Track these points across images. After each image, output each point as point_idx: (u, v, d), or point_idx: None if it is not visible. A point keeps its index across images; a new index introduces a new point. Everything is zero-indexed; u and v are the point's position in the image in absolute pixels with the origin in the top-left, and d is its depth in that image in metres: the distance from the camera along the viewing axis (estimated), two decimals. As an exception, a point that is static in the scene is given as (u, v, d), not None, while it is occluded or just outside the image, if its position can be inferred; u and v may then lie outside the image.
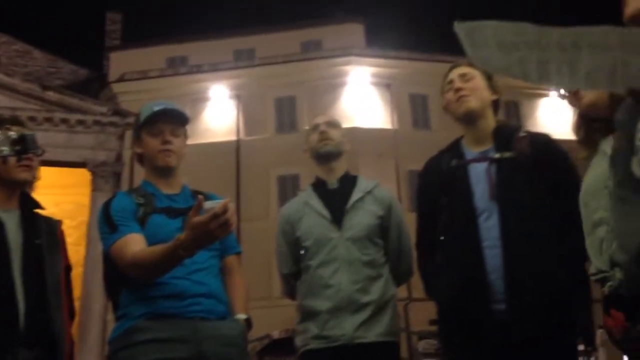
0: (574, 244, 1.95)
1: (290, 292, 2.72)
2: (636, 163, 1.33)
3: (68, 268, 2.29)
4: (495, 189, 2.09)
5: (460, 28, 1.01)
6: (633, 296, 1.25)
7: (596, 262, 1.76)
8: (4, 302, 2.02)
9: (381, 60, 20.40)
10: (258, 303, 13.87)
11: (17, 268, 2.09)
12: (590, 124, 1.89)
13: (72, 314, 2.31)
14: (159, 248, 1.86)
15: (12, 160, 2.07)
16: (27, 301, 2.06)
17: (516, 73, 0.99)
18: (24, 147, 1.72)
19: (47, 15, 56.25)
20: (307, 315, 2.54)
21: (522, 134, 2.18)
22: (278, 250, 2.72)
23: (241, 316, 2.12)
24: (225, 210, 1.70)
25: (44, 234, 2.21)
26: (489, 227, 2.07)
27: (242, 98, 20.41)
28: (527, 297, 1.98)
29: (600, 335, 3.45)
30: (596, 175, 1.79)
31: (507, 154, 2.13)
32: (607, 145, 1.80)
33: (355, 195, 2.62)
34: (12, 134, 1.71)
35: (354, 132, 18.33)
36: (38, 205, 2.30)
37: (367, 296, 2.48)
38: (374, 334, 2.44)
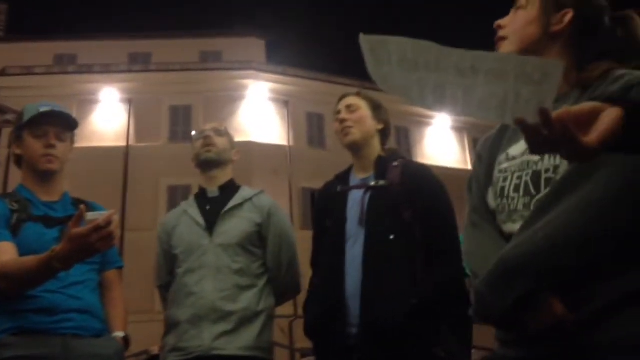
0: (443, 270, 2.05)
1: (164, 304, 2.61)
2: (492, 194, 1.43)
3: None
4: (364, 216, 2.17)
5: (365, 41, 1.00)
6: (483, 318, 1.31)
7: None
8: None
9: (280, 77, 20.56)
10: (141, 317, 13.29)
11: None
12: None
13: None
14: (31, 259, 1.72)
15: None
16: None
17: (413, 95, 0.99)
18: None
19: None
20: (170, 326, 2.43)
21: (395, 164, 2.26)
22: (156, 261, 2.64)
23: (118, 334, 2.02)
24: (108, 222, 1.61)
25: None
26: (355, 252, 2.14)
27: (135, 103, 19.70)
28: (379, 323, 2.01)
29: (475, 354, 3.62)
30: None
31: (381, 182, 2.21)
32: None
33: (233, 201, 2.55)
34: None
35: (250, 146, 18.25)
36: None
37: (232, 305, 2.36)
38: (235, 347, 2.31)
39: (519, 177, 1.35)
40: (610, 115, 0.91)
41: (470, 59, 0.97)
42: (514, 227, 1.32)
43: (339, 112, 2.36)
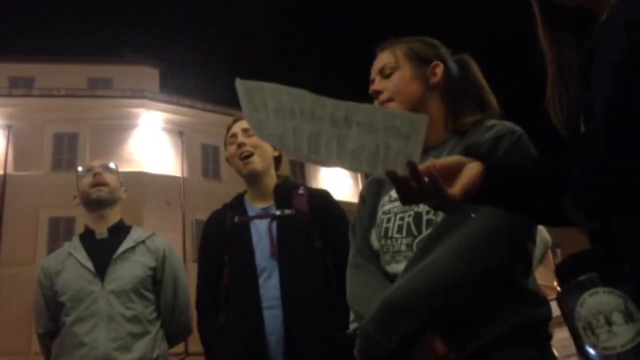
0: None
1: (46, 354, 2.42)
2: (375, 235, 1.48)
3: None
4: (275, 247, 2.08)
5: (241, 86, 0.99)
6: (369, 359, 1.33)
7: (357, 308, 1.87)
8: None
9: (175, 107, 20.20)
10: (16, 358, 12.23)
11: None
12: None
13: None
14: None
15: None
16: None
17: (288, 144, 0.99)
18: None
19: None
20: None
21: (301, 191, 2.21)
22: (35, 306, 2.45)
23: None
24: None
25: None
26: (270, 286, 2.04)
27: (14, 129, 18.48)
28: (304, 359, 1.97)
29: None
30: None
31: (287, 211, 2.14)
32: None
33: (125, 244, 2.43)
34: None
35: (141, 176, 17.64)
36: None
37: (127, 355, 2.26)
38: None
39: (402, 218, 1.41)
40: (471, 170, 0.97)
41: (343, 109, 0.98)
42: (397, 267, 1.37)
43: (234, 136, 2.25)
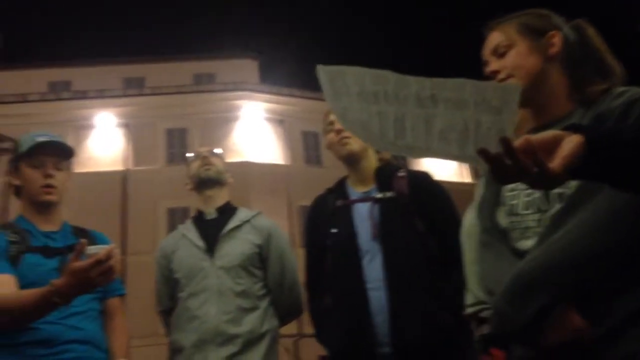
0: (458, 283, 1.99)
1: (167, 329, 2.58)
2: (502, 213, 1.45)
3: None
4: (377, 229, 2.09)
5: (322, 72, 0.97)
6: (502, 334, 1.33)
7: (476, 292, 1.84)
8: None
9: (274, 97, 20.65)
10: (145, 341, 13.16)
11: None
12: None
13: None
14: (30, 293, 1.70)
15: None
16: None
17: (373, 130, 0.95)
18: None
19: None
20: (174, 351, 2.41)
21: (401, 174, 2.20)
22: (156, 285, 2.62)
23: None
24: (109, 256, 1.60)
25: None
26: (373, 268, 2.06)
27: (131, 127, 19.76)
28: (411, 340, 1.96)
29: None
30: (472, 216, 1.86)
31: (388, 194, 2.14)
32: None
33: (232, 223, 2.53)
34: None
35: (246, 166, 18.28)
36: None
37: (237, 328, 2.34)
38: None
39: (529, 194, 1.38)
40: (571, 142, 0.93)
41: (429, 87, 0.94)
42: (527, 243, 1.34)
43: (332, 123, 2.26)
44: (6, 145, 17.54)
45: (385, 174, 2.22)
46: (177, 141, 19.81)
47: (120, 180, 18.93)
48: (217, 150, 2.74)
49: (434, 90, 0.94)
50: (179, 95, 20.05)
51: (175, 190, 17.00)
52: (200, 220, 2.61)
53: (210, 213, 2.59)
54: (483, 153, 0.90)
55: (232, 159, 18.07)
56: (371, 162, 2.26)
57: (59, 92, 20.44)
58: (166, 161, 19.51)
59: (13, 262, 1.84)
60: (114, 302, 2.09)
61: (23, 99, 19.38)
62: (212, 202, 2.61)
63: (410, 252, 2.07)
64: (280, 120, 20.58)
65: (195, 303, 2.39)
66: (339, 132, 2.22)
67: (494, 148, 0.89)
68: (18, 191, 2.04)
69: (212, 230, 2.52)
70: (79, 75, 21.41)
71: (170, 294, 2.53)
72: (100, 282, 1.62)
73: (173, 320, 2.48)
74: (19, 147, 2.02)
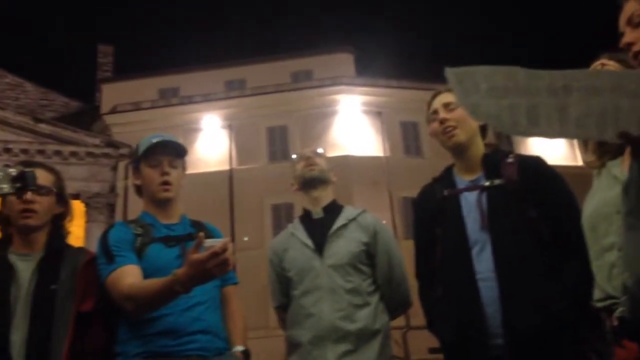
0: (577, 270, 1.90)
1: (282, 324, 2.69)
2: None
3: (83, 314, 2.04)
4: (486, 219, 2.03)
5: (451, 74, 1.02)
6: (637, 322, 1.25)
7: (605, 287, 1.74)
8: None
9: (371, 89, 20.62)
10: (255, 333, 13.70)
11: (23, 317, 2.00)
12: (600, 145, 1.87)
13: None
14: (154, 282, 1.85)
15: (16, 204, 2.06)
16: (26, 356, 1.96)
17: (505, 121, 0.99)
18: (24, 184, 1.63)
19: (39, 48, 56.58)
20: (292, 347, 2.50)
21: (510, 160, 2.12)
22: (270, 282, 2.71)
23: (238, 348, 2.10)
24: (224, 249, 1.71)
25: (64, 276, 2.11)
26: (483, 258, 2.00)
27: (234, 128, 20.51)
28: (523, 331, 1.90)
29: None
30: (606, 199, 1.76)
31: (496, 181, 2.07)
32: (616, 169, 1.80)
33: (338, 222, 2.59)
34: (12, 170, 1.63)
35: (347, 160, 18.41)
36: (64, 244, 2.24)
37: (351, 324, 2.40)
38: None
39: None
40: None
41: (561, 79, 0.96)
42: None
43: (435, 112, 2.21)
44: (124, 151, 18.88)
45: (493, 161, 2.14)
46: (278, 139, 20.32)
47: (227, 180, 19.74)
48: (320, 150, 2.81)
49: (567, 81, 0.97)
50: (278, 94, 20.54)
51: (278, 186, 17.52)
52: (307, 220, 2.67)
53: (317, 212, 2.66)
54: (624, 136, 0.89)
55: (332, 153, 18.29)
56: (478, 149, 2.19)
57: (168, 98, 21.63)
58: (268, 159, 20.07)
59: (139, 253, 2.02)
60: (228, 289, 2.20)
61: (136, 107, 20.70)
62: (318, 202, 2.68)
63: (521, 240, 1.99)
64: (378, 112, 20.52)
65: (309, 301, 2.47)
66: (442, 121, 2.17)
67: (636, 130, 0.89)
68: (139, 190, 2.21)
69: (319, 229, 2.59)
70: (186, 81, 22.51)
71: (283, 290, 2.62)
72: (217, 273, 1.73)
73: (289, 316, 2.57)
74: (138, 150, 2.19)
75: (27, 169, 1.70)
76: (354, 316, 2.42)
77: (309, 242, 2.57)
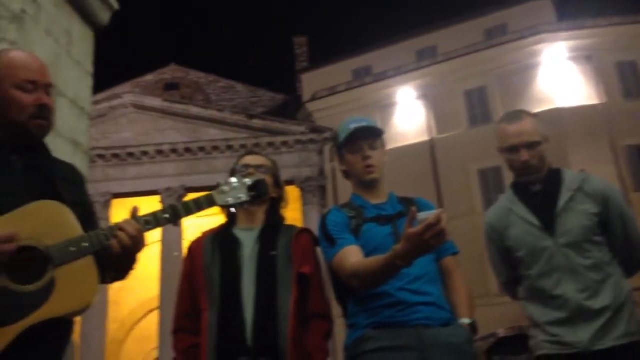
0: None
1: (512, 295, 2.59)
2: None
3: (303, 276, 2.29)
4: None
5: None
6: None
7: None
8: (232, 314, 2.19)
9: (577, 33, 18.80)
10: (476, 301, 13.41)
11: (251, 281, 2.23)
12: None
13: (323, 322, 2.31)
14: (376, 259, 1.95)
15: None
16: (256, 312, 2.19)
17: None
18: (258, 193, 1.78)
19: (243, 51, 61.82)
20: (534, 326, 2.40)
21: None
22: (491, 258, 2.61)
23: (465, 321, 2.10)
24: (439, 220, 1.74)
25: (282, 245, 2.31)
26: None
27: (430, 97, 20.27)
28: None
29: None
30: None
31: None
32: None
33: (564, 196, 2.38)
34: (247, 180, 1.79)
35: (557, 113, 17.11)
36: (280, 220, 2.46)
37: (599, 302, 2.27)
38: (612, 339, 2.24)
39: None
40: None
41: None
42: None
43: None
44: (327, 135, 19.84)
45: None
46: (477, 102, 19.61)
47: (428, 150, 19.63)
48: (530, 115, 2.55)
49: None
50: (473, 55, 19.79)
51: (483, 151, 16.94)
52: (524, 193, 2.47)
53: (535, 185, 2.45)
54: None
55: (539, 108, 17.10)
56: None
57: (362, 78, 22.13)
58: (469, 124, 19.49)
59: (355, 234, 2.15)
60: (448, 261, 2.22)
61: (333, 91, 21.55)
62: (535, 175, 2.46)
63: None
64: (587, 57, 18.62)
65: (549, 283, 2.34)
66: None
67: None
68: (347, 174, 2.33)
69: (541, 205, 2.41)
70: (377, 58, 22.80)
71: (508, 265, 2.52)
72: (434, 244, 1.78)
73: (526, 293, 2.45)
74: (338, 137, 2.30)
75: (259, 178, 1.85)
76: (599, 293, 2.28)
77: (534, 219, 2.39)
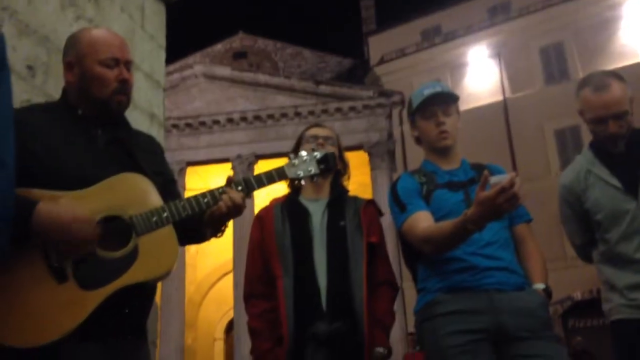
0: None
1: (586, 258, 2.51)
2: None
3: (371, 245, 2.37)
4: None
5: None
6: None
7: None
8: (306, 280, 2.27)
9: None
10: (552, 264, 13.09)
11: (322, 249, 2.31)
12: None
13: (389, 289, 2.40)
14: (447, 223, 1.95)
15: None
16: (329, 279, 2.26)
17: None
18: (327, 166, 1.81)
19: (310, 16, 61.40)
20: (612, 287, 2.31)
21: None
22: (564, 221, 2.51)
23: (539, 286, 2.08)
24: (512, 184, 1.72)
25: (349, 216, 2.38)
26: None
27: (503, 55, 19.49)
28: None
29: None
30: None
31: None
32: None
33: None
34: (317, 154, 1.82)
35: (640, 68, 16.06)
36: (344, 191, 2.51)
37: None
38: None
39: None
40: None
41: None
42: None
43: None
44: (396, 98, 19.56)
45: None
46: (553, 58, 18.71)
47: (501, 110, 18.98)
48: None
49: None
50: (548, 9, 18.81)
51: (559, 110, 16.23)
52: (604, 154, 2.35)
53: (619, 146, 2.32)
54: None
55: (622, 63, 16.15)
56: None
57: (431, 39, 21.54)
58: (545, 81, 18.66)
59: (426, 200, 2.15)
60: (522, 228, 2.19)
61: (401, 53, 21.12)
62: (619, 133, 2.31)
63: None
64: (676, 5, 17.29)
65: (629, 248, 2.24)
66: None
67: None
68: (419, 140, 2.34)
69: (624, 166, 2.29)
70: (447, 18, 22.09)
71: (584, 228, 2.43)
72: (507, 208, 1.77)
73: (602, 257, 2.37)
74: (412, 103, 2.29)
75: (328, 152, 1.88)
76: None
77: (616, 182, 2.28)
